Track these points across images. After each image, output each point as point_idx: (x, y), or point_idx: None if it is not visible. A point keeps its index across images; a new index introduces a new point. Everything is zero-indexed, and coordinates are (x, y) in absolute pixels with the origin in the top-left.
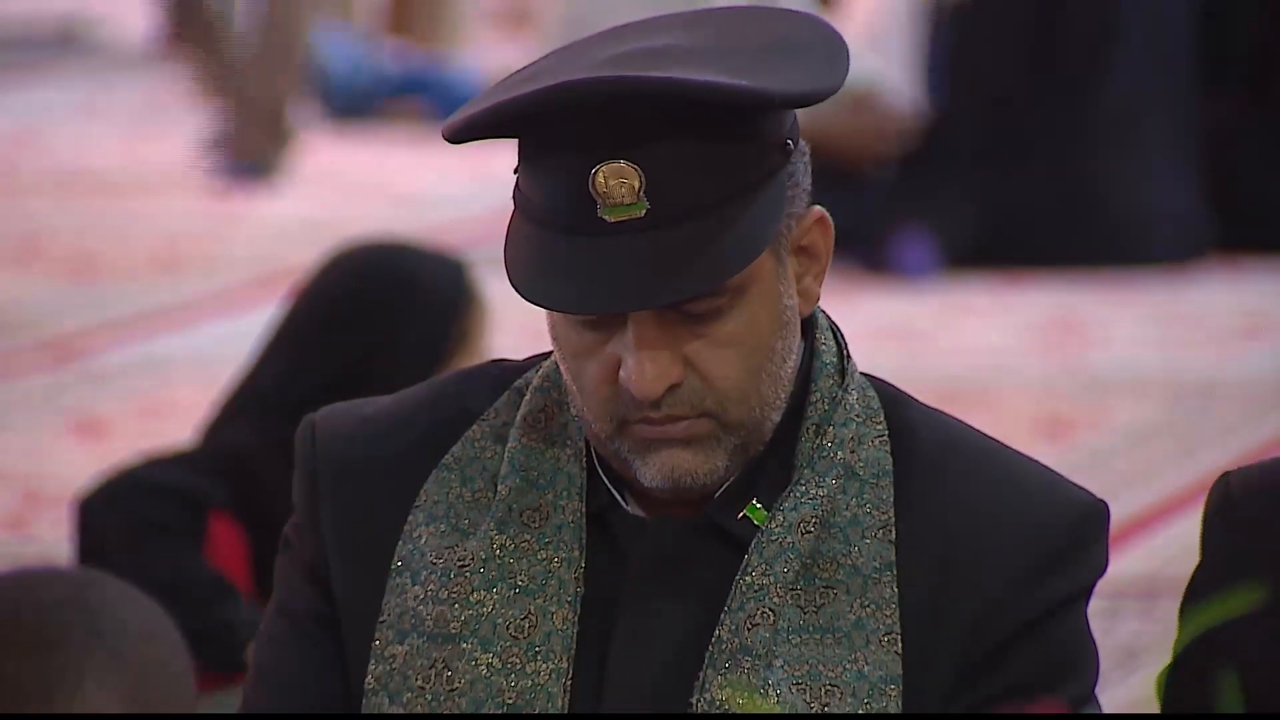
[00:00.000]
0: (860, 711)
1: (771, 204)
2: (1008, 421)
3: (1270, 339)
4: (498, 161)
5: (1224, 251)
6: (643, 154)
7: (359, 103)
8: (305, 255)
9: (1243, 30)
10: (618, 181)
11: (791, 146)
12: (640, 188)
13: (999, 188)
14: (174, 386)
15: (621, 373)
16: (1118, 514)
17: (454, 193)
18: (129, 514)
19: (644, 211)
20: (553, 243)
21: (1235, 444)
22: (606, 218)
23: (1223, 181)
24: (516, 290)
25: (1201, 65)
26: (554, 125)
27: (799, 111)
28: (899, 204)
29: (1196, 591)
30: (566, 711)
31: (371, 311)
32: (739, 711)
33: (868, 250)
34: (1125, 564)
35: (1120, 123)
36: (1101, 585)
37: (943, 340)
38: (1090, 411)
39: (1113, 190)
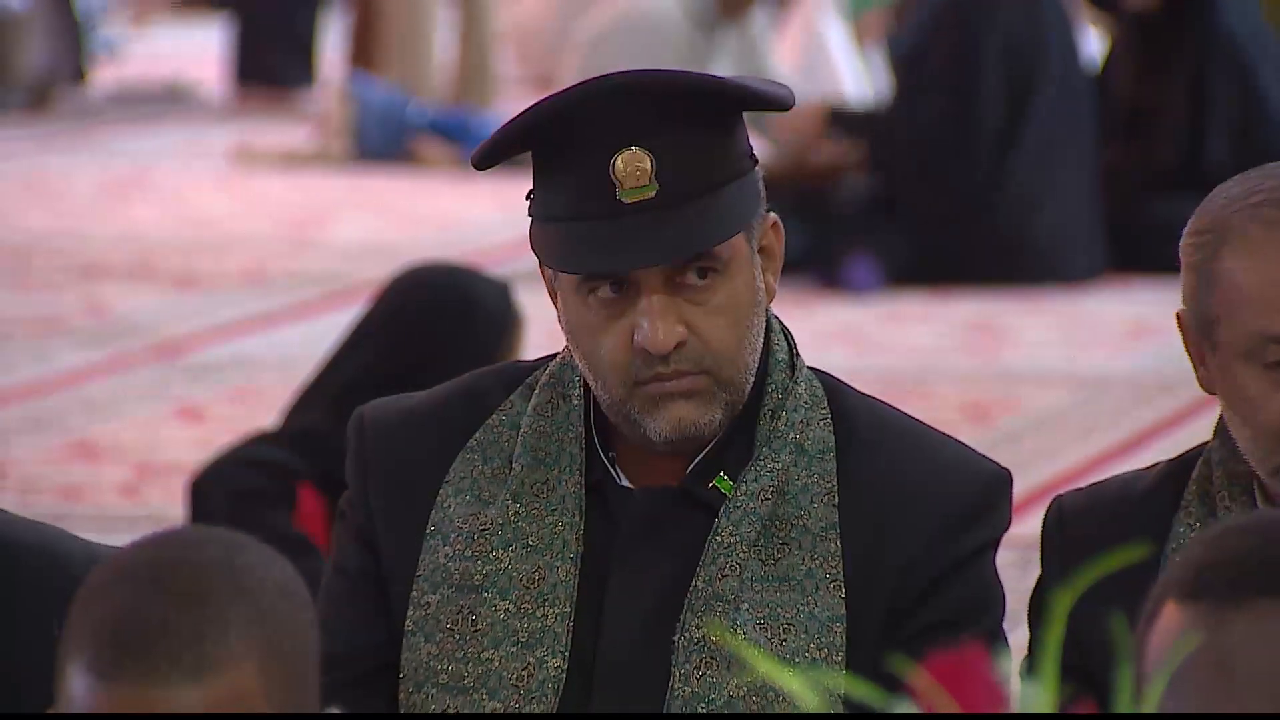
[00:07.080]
0: (812, 645)
1: (751, 190)
2: (939, 408)
3: (1152, 341)
4: (520, 193)
5: (1115, 270)
6: (653, 141)
7: (387, 146)
8: (368, 273)
9: (1117, 93)
10: (634, 166)
11: (756, 158)
12: (652, 170)
13: (931, 219)
14: (259, 380)
15: (637, 336)
16: (1028, 483)
17: (487, 221)
18: (230, 486)
19: (654, 193)
20: (579, 230)
21: (1124, 426)
22: (624, 200)
23: (1113, 214)
24: (554, 268)
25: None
26: (577, 122)
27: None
28: (850, 233)
29: (1039, 599)
30: (570, 648)
31: (438, 323)
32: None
33: (824, 270)
34: (1033, 524)
35: (1035, 164)
36: (1013, 541)
37: (885, 342)
38: (1005, 400)
39: (1026, 220)
